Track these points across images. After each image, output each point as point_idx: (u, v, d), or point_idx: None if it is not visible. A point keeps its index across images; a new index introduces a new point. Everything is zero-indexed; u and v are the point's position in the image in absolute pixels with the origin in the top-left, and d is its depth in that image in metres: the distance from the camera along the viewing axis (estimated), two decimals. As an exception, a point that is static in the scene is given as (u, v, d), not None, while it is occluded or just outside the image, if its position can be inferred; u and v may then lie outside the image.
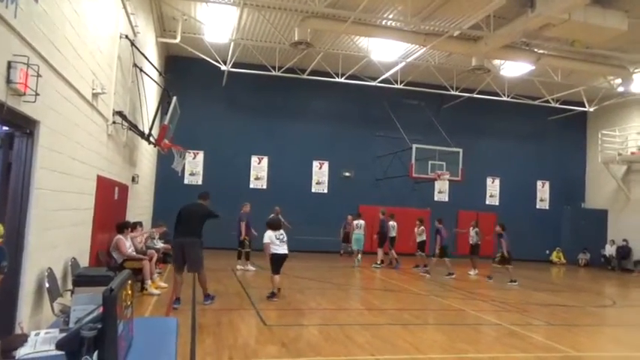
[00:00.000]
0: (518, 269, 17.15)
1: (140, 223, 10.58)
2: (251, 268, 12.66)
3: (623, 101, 18.97)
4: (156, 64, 12.88)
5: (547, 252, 20.89)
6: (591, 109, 19.85)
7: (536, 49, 14.47)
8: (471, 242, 15.01)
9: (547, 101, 19.19)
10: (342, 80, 17.25)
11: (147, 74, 10.95)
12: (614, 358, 6.41)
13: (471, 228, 15.06)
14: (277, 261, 8.71)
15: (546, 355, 6.13)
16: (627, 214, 19.66)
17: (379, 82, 17.63)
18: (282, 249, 8.71)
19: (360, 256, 15.42)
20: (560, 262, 20.52)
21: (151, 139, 10.89)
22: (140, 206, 13.28)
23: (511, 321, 8.13)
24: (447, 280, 13.22)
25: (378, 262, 15.18)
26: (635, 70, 15.75)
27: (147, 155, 14.13)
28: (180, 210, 8.06)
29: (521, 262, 19.25)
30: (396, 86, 17.68)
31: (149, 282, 8.51)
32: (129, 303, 2.44)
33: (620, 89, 16.89)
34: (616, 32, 11.78)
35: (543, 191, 21.70)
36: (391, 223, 15.49)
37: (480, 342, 6.99)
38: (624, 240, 19.40)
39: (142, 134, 10.34)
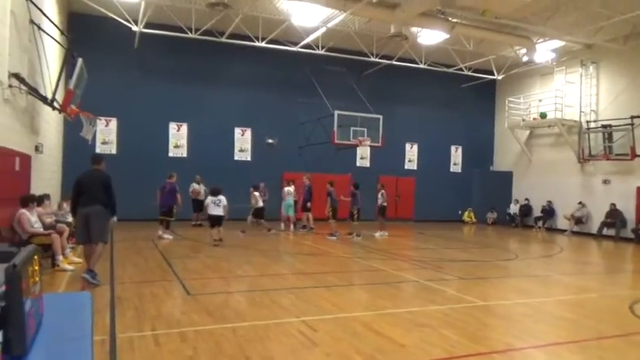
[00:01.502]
0: (433, 229, 18.30)
1: (47, 196, 9.85)
2: (169, 236, 12.79)
3: (528, 70, 20.37)
4: (57, 22, 11.76)
5: (459, 212, 22.35)
6: (499, 78, 21.14)
7: (450, 18, 14.99)
8: (378, 204, 15.46)
9: (460, 69, 20.13)
10: (263, 44, 16.84)
11: (46, 32, 9.97)
12: (515, 305, 7.07)
13: (378, 192, 15.55)
14: (210, 219, 11.84)
15: (457, 307, 6.63)
16: (529, 175, 21.46)
17: (300, 48, 17.45)
18: (214, 211, 11.64)
19: (292, 224, 15.86)
20: (471, 221, 22.08)
21: (55, 104, 10.02)
22: (47, 178, 12.32)
23: (427, 277, 8.67)
24: (358, 240, 13.75)
25: (312, 226, 15.43)
26: (538, 41, 16.89)
27: (52, 122, 13.05)
28: (77, 179, 7.28)
29: (436, 223, 20.53)
30: (317, 52, 17.60)
31: (60, 257, 8.00)
32: (37, 279, 2.27)
33: (525, 59, 18.06)
34: (521, 3, 12.50)
35: (456, 155, 23.00)
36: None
37: (399, 298, 7.40)
38: (526, 199, 21.22)
39: (44, 99, 9.48)
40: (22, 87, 8.15)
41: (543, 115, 19.79)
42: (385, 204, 15.45)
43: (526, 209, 21.10)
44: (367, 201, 16.13)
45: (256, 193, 14.94)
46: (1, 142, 7.20)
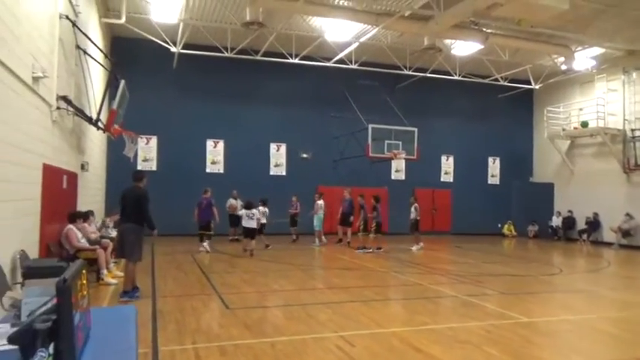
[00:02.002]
0: (471, 243, 17.89)
1: (91, 212, 10.21)
2: (206, 246, 13.05)
3: (567, 79, 19.81)
4: (101, 46, 12.33)
5: (499, 225, 21.75)
6: (537, 87, 20.64)
7: (484, 29, 14.80)
8: (411, 218, 15.16)
9: (496, 80, 19.77)
10: (297, 61, 17.07)
11: (91, 57, 10.46)
12: (561, 322, 6.79)
13: (411, 205, 15.29)
14: (245, 231, 12.56)
15: (500, 323, 6.43)
16: (571, 186, 20.72)
17: (334, 63, 17.59)
18: (248, 223, 12.38)
19: (323, 236, 15.79)
20: (512, 234, 21.43)
21: (100, 124, 10.45)
22: (91, 195, 12.81)
23: (466, 292, 8.46)
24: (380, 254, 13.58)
25: (349, 241, 15.36)
26: (577, 49, 16.43)
27: (96, 142, 13.60)
28: (121, 195, 7.54)
29: (474, 236, 20.06)
30: (350, 66, 17.69)
31: (105, 271, 8.27)
32: (84, 293, 2.35)
33: (564, 67, 17.58)
34: (558, 11, 12.17)
35: (494, 167, 22.50)
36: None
37: (438, 314, 7.24)
38: (569, 211, 20.45)
39: (89, 120, 9.91)
40: (70, 109, 8.55)
41: (585, 124, 19.15)
42: (418, 218, 15.16)
43: (569, 222, 20.32)
44: (401, 214, 15.97)
45: (261, 208, 14.13)
46: (50, 162, 7.55)
